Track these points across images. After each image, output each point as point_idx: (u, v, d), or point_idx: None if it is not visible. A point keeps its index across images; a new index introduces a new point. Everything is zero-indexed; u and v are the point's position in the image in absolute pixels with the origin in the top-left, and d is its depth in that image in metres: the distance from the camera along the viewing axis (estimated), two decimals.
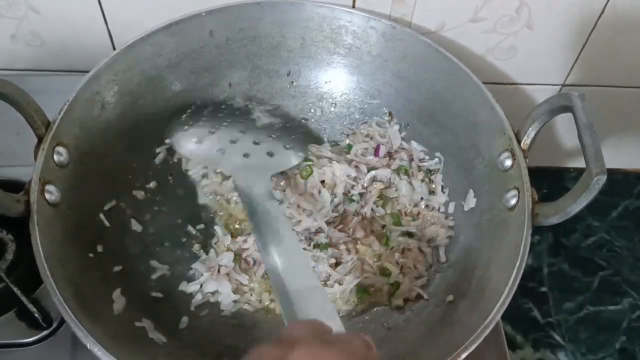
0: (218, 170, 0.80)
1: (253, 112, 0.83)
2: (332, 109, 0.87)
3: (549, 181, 1.12)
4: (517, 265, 0.61)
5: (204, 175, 0.81)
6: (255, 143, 0.78)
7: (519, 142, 0.69)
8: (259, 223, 0.65)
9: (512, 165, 0.69)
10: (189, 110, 0.81)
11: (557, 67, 0.93)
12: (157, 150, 0.80)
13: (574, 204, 0.59)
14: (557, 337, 0.98)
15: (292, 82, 0.86)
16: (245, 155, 0.76)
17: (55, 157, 0.65)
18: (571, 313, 1.01)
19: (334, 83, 0.86)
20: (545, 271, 1.04)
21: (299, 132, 0.84)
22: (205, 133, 0.78)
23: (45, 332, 0.71)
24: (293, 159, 0.79)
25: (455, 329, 0.63)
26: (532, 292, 1.02)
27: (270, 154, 0.78)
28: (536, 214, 0.64)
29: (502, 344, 0.73)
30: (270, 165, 0.77)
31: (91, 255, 0.67)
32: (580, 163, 1.11)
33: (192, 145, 0.77)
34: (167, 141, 0.79)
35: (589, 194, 0.58)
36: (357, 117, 0.87)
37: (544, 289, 1.03)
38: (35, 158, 0.64)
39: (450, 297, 0.69)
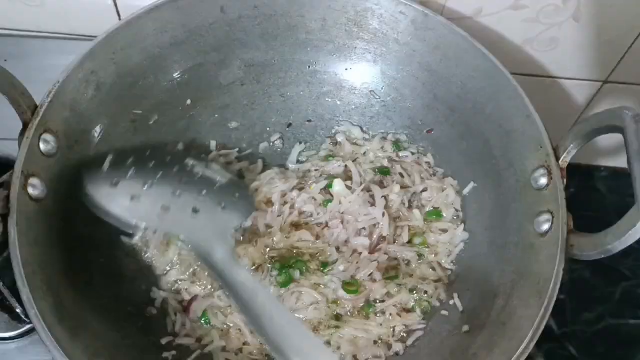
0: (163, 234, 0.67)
1: (187, 161, 0.71)
2: (351, 99, 0.82)
3: (578, 180, 1.05)
4: (545, 305, 0.56)
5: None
6: (202, 194, 0.67)
7: (557, 158, 0.62)
8: (239, 299, 0.59)
9: (547, 185, 0.63)
10: (108, 160, 0.67)
11: (601, 62, 0.87)
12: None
13: (617, 242, 0.54)
14: (572, 350, 0.94)
15: (309, 66, 0.80)
16: (195, 211, 0.65)
17: (42, 146, 0.60)
18: (589, 324, 0.96)
19: (355, 71, 0.81)
20: (565, 278, 0.98)
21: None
22: (140, 188, 0.65)
23: (28, 327, 0.67)
24: (247, 210, 0.70)
25: None
26: None
27: (222, 207, 0.67)
28: (571, 245, 0.58)
29: None
30: (224, 221, 0.66)
31: (77, 255, 0.62)
32: (613, 162, 1.06)
33: (127, 202, 0.64)
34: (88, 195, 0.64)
35: (635, 234, 0.53)
36: (378, 109, 0.82)
37: (562, 296, 0.98)
38: (19, 147, 0.58)
39: (466, 328, 0.64)
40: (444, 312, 0.70)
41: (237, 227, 0.68)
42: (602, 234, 0.56)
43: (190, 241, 0.63)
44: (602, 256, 0.56)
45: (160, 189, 0.65)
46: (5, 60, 0.59)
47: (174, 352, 0.65)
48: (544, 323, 0.56)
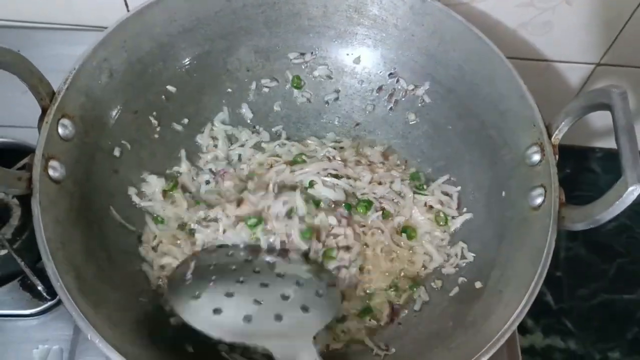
0: (252, 344, 0.63)
1: (266, 259, 0.68)
2: (352, 83, 0.83)
3: (573, 161, 1.08)
4: (539, 272, 0.58)
5: None
6: (284, 298, 0.63)
7: (549, 136, 0.65)
8: None
9: (540, 161, 0.65)
10: (189, 272, 0.66)
11: (593, 45, 0.89)
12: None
13: (605, 212, 0.56)
14: (568, 324, 0.97)
15: (312, 52, 0.82)
16: (278, 318, 0.61)
17: (60, 130, 0.62)
18: (585, 300, 0.99)
19: (356, 56, 0.82)
20: (561, 255, 1.02)
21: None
22: (222, 298, 0.63)
23: (48, 304, 0.70)
24: (332, 307, 0.65)
25: (469, 333, 0.61)
26: (546, 275, 0.99)
27: (305, 309, 0.63)
28: (562, 217, 0.60)
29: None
30: (308, 324, 0.62)
31: (96, 232, 0.65)
32: (607, 143, 1.08)
33: (210, 316, 0.61)
34: (172, 320, 0.65)
35: (621, 204, 0.55)
36: (378, 94, 0.83)
37: (558, 273, 1.01)
38: (39, 131, 0.61)
39: (465, 297, 0.67)
40: (444, 283, 0.72)
41: (321, 329, 0.63)
42: (591, 205, 0.57)
43: (274, 350, 0.58)
44: (592, 226, 0.57)
45: (241, 297, 0.63)
46: (18, 51, 0.61)
47: None
48: (537, 290, 0.58)
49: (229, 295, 0.63)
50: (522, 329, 0.96)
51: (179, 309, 0.62)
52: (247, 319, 0.61)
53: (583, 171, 1.08)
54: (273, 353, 0.58)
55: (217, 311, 0.61)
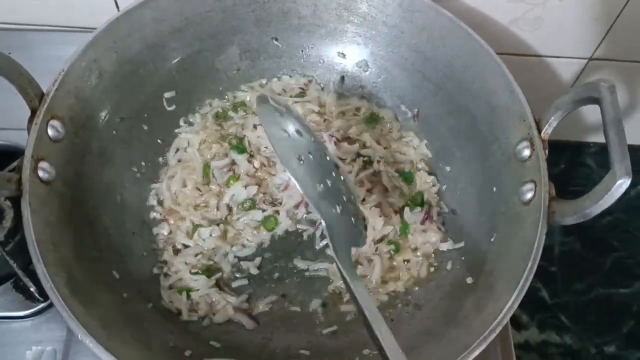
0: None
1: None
2: (343, 81, 0.84)
3: (567, 156, 1.08)
4: (529, 267, 0.58)
5: None
6: (343, 199, 0.63)
7: (539, 131, 0.65)
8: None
9: (530, 156, 0.65)
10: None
11: (585, 40, 0.89)
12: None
13: (594, 205, 0.56)
14: (564, 319, 0.97)
15: (302, 50, 0.82)
16: (338, 205, 0.62)
17: (50, 132, 0.62)
18: (580, 294, 0.99)
19: (346, 53, 0.82)
20: (556, 250, 1.02)
21: None
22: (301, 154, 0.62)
23: (41, 305, 0.70)
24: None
25: (461, 329, 0.61)
26: (541, 271, 0.98)
27: (353, 220, 0.63)
28: (552, 211, 0.60)
29: (506, 323, 0.71)
30: (355, 233, 0.63)
31: (87, 233, 0.65)
32: (601, 138, 1.06)
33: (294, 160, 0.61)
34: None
35: (610, 197, 0.54)
36: (370, 90, 0.84)
37: (553, 268, 1.01)
38: (29, 133, 0.61)
39: (457, 292, 0.67)
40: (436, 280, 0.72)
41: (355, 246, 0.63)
42: (581, 199, 0.57)
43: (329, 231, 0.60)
44: (582, 220, 0.57)
45: (311, 167, 0.62)
46: (10, 53, 0.61)
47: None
48: (527, 285, 0.57)
49: (300, 159, 0.62)
50: (518, 324, 0.96)
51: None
52: (315, 188, 0.61)
53: (577, 166, 1.08)
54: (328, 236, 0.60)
55: (300, 159, 0.62)
